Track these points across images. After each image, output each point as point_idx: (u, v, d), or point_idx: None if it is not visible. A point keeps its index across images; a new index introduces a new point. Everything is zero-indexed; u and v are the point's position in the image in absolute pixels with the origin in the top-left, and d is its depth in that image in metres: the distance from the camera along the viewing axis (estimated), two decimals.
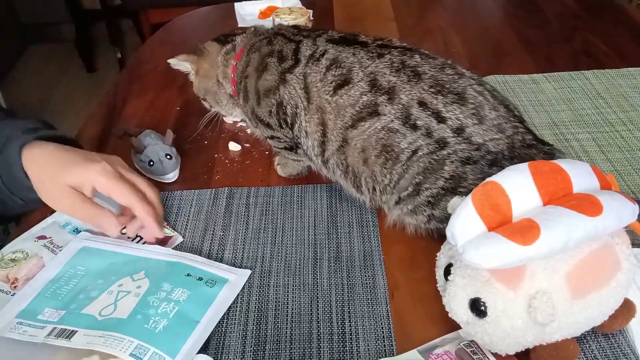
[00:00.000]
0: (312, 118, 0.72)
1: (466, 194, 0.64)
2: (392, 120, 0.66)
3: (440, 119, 0.64)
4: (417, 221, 0.69)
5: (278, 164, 0.84)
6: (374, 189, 0.70)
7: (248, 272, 0.67)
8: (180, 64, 0.86)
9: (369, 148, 0.68)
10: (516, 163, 0.64)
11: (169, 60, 0.86)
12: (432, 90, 0.65)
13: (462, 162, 0.64)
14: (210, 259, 0.69)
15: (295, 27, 0.80)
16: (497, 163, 0.64)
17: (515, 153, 0.64)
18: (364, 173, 0.70)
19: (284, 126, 0.76)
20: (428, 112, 0.64)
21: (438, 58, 0.70)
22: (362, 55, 0.70)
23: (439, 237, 0.69)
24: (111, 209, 0.69)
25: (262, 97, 0.76)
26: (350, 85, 0.68)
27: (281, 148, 0.80)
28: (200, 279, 0.65)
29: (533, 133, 0.68)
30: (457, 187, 0.64)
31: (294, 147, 0.78)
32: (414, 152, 0.65)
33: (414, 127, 0.65)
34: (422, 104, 0.65)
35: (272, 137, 0.80)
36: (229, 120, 0.92)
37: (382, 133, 0.66)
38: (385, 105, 0.66)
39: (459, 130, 0.64)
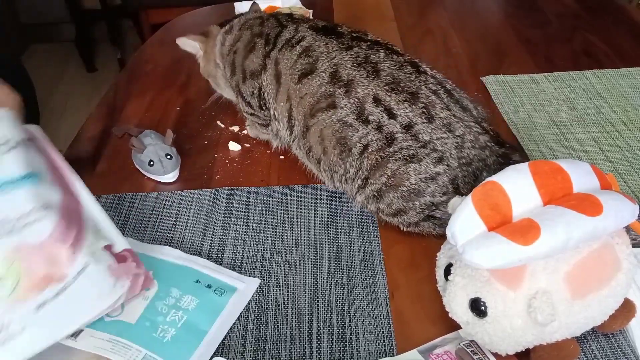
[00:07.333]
0: (280, 103, 0.75)
1: (407, 192, 0.66)
2: (348, 114, 0.68)
3: (392, 115, 0.66)
4: (371, 211, 0.72)
5: (248, 125, 0.90)
6: (332, 177, 0.73)
7: (257, 281, 0.67)
8: (188, 43, 0.87)
9: (326, 139, 0.70)
10: (463, 162, 0.65)
11: (178, 40, 0.87)
12: (387, 87, 0.67)
13: (406, 160, 0.65)
14: (210, 258, 0.69)
15: (289, 15, 0.82)
16: (444, 161, 0.65)
17: (464, 153, 0.66)
18: (323, 161, 0.73)
19: (263, 108, 0.80)
20: (381, 108, 0.67)
21: (404, 55, 0.72)
22: (333, 45, 0.72)
23: (430, 236, 0.69)
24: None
25: (248, 78, 0.79)
26: (314, 75, 0.71)
27: (259, 124, 0.84)
28: (209, 286, 0.64)
29: (491, 134, 0.69)
30: (399, 185, 0.66)
31: (268, 124, 0.82)
32: (365, 147, 0.67)
33: (366, 122, 0.67)
34: (376, 99, 0.67)
35: (252, 114, 0.84)
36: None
37: (338, 125, 0.69)
38: (342, 98, 0.68)
39: (407, 127, 0.66)
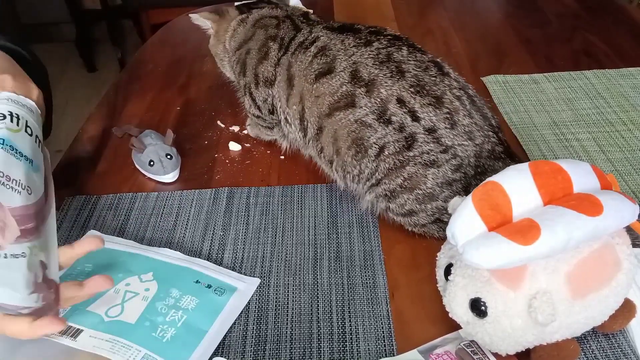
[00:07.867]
0: (293, 106, 0.74)
1: (422, 195, 0.65)
2: (367, 114, 0.66)
3: (415, 118, 0.65)
4: (380, 209, 0.71)
5: (249, 125, 0.90)
6: (344, 177, 0.72)
7: (257, 280, 0.67)
8: (201, 20, 0.86)
9: (340, 139, 0.69)
10: (478, 171, 0.65)
11: (191, 15, 0.86)
12: (412, 89, 0.66)
13: (426, 165, 0.65)
14: (210, 259, 0.69)
15: (305, 15, 0.81)
16: (462, 169, 0.65)
17: (481, 162, 0.66)
18: (335, 162, 0.72)
19: (273, 113, 0.79)
20: (404, 110, 0.65)
21: (427, 53, 0.70)
22: (350, 42, 0.70)
23: (431, 237, 0.69)
24: None
25: (261, 85, 0.78)
26: (333, 75, 0.69)
27: (264, 126, 0.84)
28: (209, 286, 0.64)
29: (505, 145, 0.69)
30: (415, 187, 0.66)
31: (273, 127, 0.82)
32: (382, 148, 0.66)
33: (388, 122, 0.65)
34: (400, 101, 0.66)
35: (258, 117, 0.83)
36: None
37: (355, 126, 0.67)
38: (362, 97, 0.67)
39: (430, 130, 0.65)
